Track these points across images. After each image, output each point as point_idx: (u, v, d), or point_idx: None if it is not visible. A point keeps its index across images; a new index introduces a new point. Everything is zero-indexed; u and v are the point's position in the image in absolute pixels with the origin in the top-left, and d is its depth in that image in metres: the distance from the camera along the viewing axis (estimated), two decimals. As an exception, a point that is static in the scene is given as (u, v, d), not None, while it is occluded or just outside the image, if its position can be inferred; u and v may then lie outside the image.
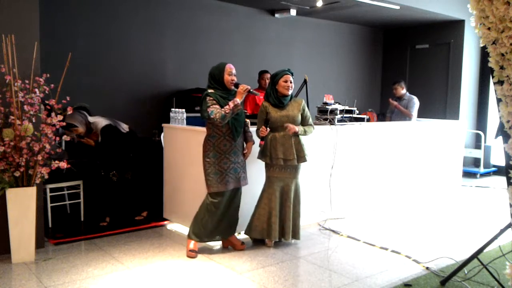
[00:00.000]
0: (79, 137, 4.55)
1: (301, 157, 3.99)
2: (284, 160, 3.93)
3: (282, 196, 4.02)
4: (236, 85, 3.76)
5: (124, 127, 4.64)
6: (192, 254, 3.80)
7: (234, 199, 3.89)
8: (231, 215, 3.91)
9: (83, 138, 4.55)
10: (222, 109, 3.62)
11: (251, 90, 3.78)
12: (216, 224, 3.85)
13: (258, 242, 4.15)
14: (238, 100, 3.67)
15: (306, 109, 4.09)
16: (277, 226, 4.00)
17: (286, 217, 4.03)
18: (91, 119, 4.49)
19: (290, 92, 3.96)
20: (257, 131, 3.99)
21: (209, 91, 3.71)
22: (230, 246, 4.00)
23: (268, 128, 3.91)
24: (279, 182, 3.99)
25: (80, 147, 4.91)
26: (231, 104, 3.64)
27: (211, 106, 3.62)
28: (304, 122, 4.05)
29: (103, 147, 4.50)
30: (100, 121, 4.51)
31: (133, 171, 4.68)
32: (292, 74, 3.99)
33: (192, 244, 3.83)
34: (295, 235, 4.11)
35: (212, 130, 3.74)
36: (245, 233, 4.14)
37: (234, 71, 3.77)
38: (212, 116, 3.60)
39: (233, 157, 3.78)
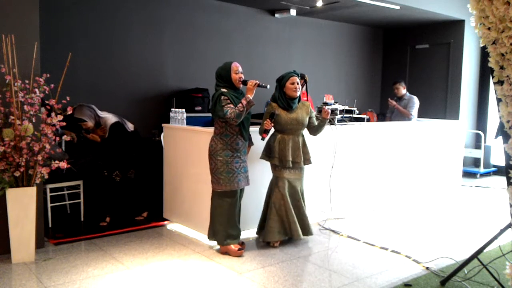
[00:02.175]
0: (86, 132, 4.56)
1: (307, 160, 4.07)
2: (292, 162, 3.98)
3: (293, 196, 4.06)
4: (245, 82, 3.75)
5: (130, 126, 4.66)
6: (240, 252, 3.81)
7: (241, 198, 3.93)
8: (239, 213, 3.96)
9: (89, 134, 4.55)
10: (236, 107, 3.61)
11: (260, 84, 3.76)
12: (237, 219, 3.88)
13: (261, 242, 4.16)
14: (250, 96, 3.66)
15: (312, 111, 4.19)
16: (297, 225, 4.03)
17: (303, 214, 4.08)
18: (100, 113, 4.53)
19: (298, 94, 3.98)
20: (261, 127, 3.95)
21: (223, 90, 3.68)
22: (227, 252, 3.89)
23: (272, 123, 3.87)
24: (288, 183, 4.03)
25: (81, 146, 4.91)
26: (243, 101, 3.63)
27: (225, 106, 3.61)
28: (311, 123, 4.13)
29: (109, 143, 4.51)
30: (110, 117, 4.55)
31: (136, 170, 4.69)
32: (298, 75, 4.00)
33: (233, 246, 3.83)
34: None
35: (225, 129, 3.72)
36: (258, 235, 4.19)
37: (240, 69, 3.77)
38: (228, 116, 3.58)
39: (243, 156, 3.81)
